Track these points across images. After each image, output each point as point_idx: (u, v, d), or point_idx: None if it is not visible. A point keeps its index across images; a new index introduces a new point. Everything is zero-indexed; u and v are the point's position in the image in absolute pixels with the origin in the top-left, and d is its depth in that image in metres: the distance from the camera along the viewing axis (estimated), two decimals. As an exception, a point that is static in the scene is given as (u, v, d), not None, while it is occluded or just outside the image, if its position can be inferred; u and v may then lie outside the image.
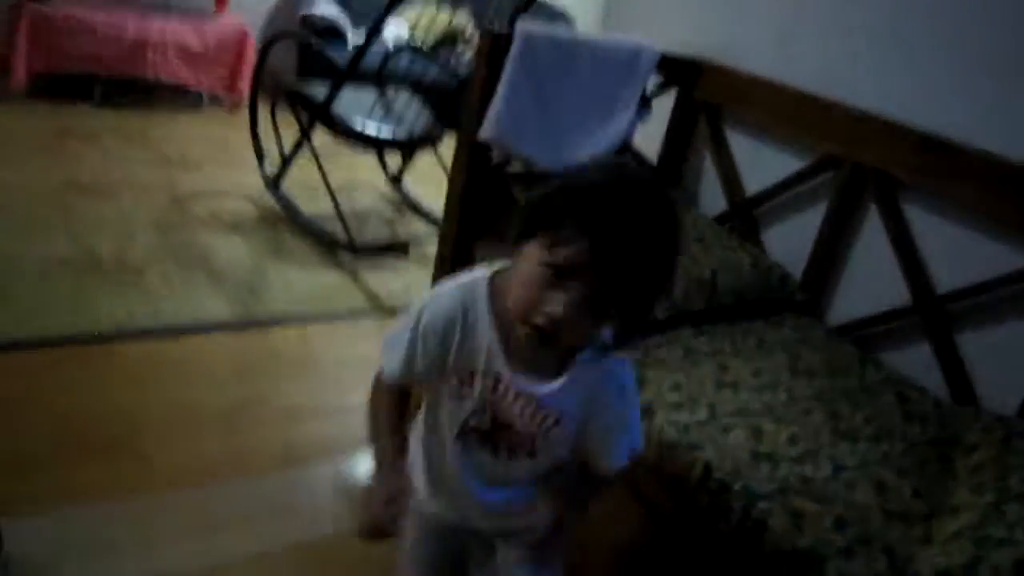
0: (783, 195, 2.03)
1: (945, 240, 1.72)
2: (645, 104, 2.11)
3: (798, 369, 1.61)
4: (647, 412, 1.40)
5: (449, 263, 1.94)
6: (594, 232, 0.75)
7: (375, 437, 1.01)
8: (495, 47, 1.79)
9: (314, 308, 2.41)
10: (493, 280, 0.90)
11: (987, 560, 1.02)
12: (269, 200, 3.10)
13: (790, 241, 2.01)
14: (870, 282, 1.86)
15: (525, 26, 1.80)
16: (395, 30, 4.36)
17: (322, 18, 4.09)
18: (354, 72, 2.74)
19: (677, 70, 2.17)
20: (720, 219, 2.15)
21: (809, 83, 1.94)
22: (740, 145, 2.16)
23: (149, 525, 1.50)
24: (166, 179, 3.14)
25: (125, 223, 2.70)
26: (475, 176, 1.90)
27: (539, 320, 0.79)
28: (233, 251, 2.69)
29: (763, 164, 2.07)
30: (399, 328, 0.95)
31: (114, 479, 1.58)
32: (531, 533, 1.06)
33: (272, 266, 2.66)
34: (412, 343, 0.93)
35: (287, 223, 2.97)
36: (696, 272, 1.73)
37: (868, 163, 1.80)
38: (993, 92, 1.63)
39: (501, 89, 1.80)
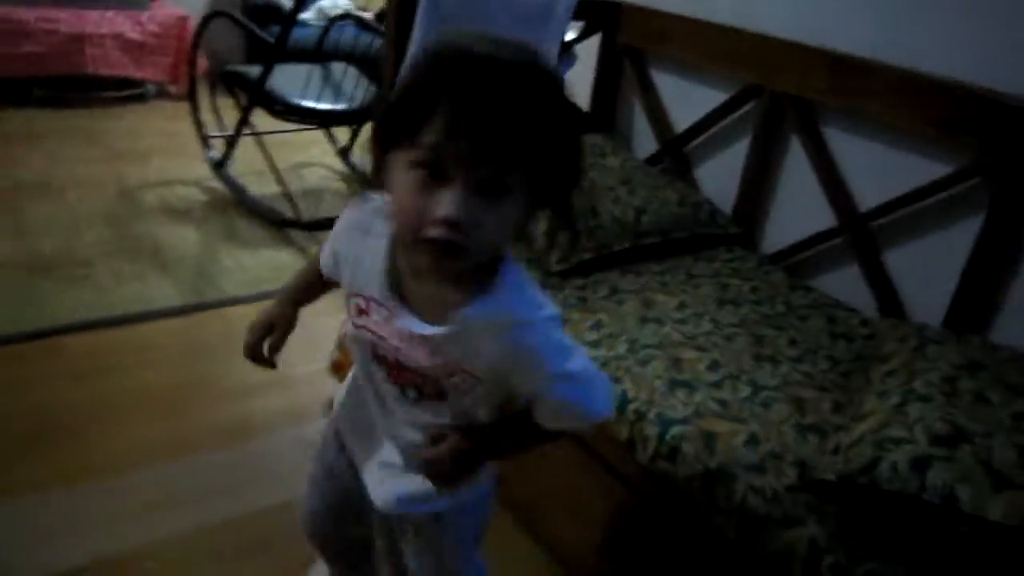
0: (710, 131, 2.03)
1: (865, 159, 1.73)
2: (567, 51, 2.10)
3: (724, 299, 1.63)
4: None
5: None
6: (456, 100, 0.64)
7: (285, 284, 1.03)
8: (403, 2, 1.78)
9: (266, 287, 2.41)
10: None
11: (885, 460, 1.04)
12: (218, 185, 3.09)
13: (721, 176, 2.02)
14: (799, 208, 1.87)
15: (431, -21, 1.78)
16: (337, 1, 4.32)
17: (260, -5, 4.05)
18: (286, 48, 2.72)
19: (598, 15, 2.16)
20: (652, 160, 2.16)
21: (724, 16, 1.93)
22: (666, 85, 2.15)
23: (88, 510, 1.53)
24: (114, 173, 3.13)
25: (72, 220, 2.70)
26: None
27: (433, 232, 0.67)
28: (183, 238, 2.69)
29: (690, 102, 2.07)
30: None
31: (55, 470, 1.61)
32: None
33: (224, 250, 2.67)
34: (332, 240, 0.90)
35: (236, 207, 2.97)
36: (619, 213, 1.74)
37: (786, 90, 1.80)
38: (897, 7, 1.63)
39: (412, 45, 1.79)
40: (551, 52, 2.02)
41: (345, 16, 3.39)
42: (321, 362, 1.90)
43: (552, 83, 0.69)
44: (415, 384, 0.86)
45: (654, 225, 1.78)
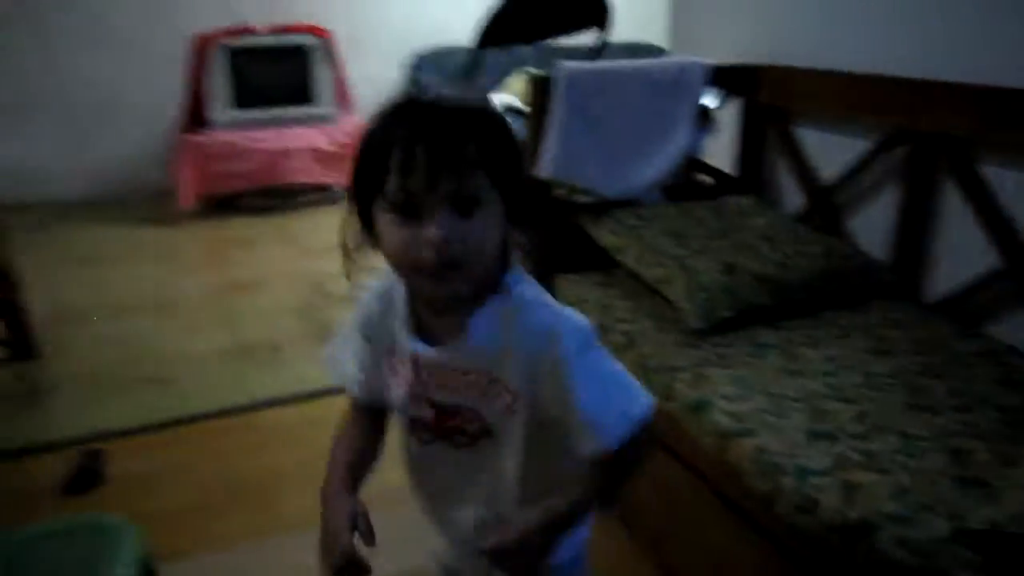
0: (859, 182, 1.97)
1: (1030, 193, 1.62)
2: (706, 118, 2.15)
3: (879, 350, 1.56)
4: (701, 407, 1.41)
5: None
6: (400, 143, 0.73)
7: (327, 468, 0.92)
8: (540, 88, 1.93)
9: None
10: None
11: (1042, 508, 0.96)
12: (396, 272, 3.37)
13: (875, 226, 1.95)
14: (962, 252, 1.76)
15: (565, 63, 1.92)
16: (504, 98, 4.62)
17: (433, 101, 4.43)
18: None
19: (736, 79, 2.20)
20: (803, 218, 2.12)
21: (863, 65, 1.90)
22: (810, 140, 2.13)
23: (280, 561, 1.70)
24: (308, 269, 3.51)
25: (273, 311, 3.06)
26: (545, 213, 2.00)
27: (426, 257, 0.73)
28: (364, 322, 2.95)
29: (835, 155, 2.03)
30: (336, 341, 0.94)
31: (252, 526, 1.80)
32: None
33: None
34: (352, 340, 0.92)
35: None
36: (759, 268, 1.72)
37: (932, 130, 1.74)
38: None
39: (552, 127, 1.93)
40: (686, 120, 2.08)
41: (509, 110, 3.64)
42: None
43: (483, 104, 0.78)
44: (459, 428, 0.86)
45: (799, 280, 1.74)
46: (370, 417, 0.96)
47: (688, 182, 2.28)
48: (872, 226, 1.97)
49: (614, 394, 0.81)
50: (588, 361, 0.80)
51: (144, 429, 2.21)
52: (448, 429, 0.88)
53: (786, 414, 1.35)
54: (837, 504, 1.15)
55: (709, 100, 2.18)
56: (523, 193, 0.81)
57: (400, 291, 0.87)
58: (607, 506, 0.87)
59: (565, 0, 3.26)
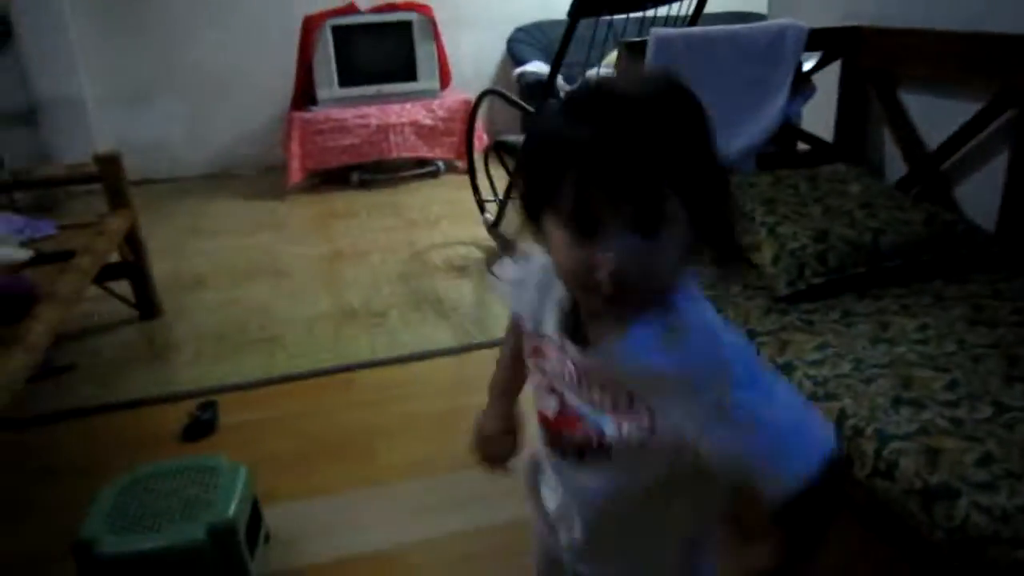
0: (966, 147, 1.89)
1: None
2: (805, 82, 2.10)
3: (977, 320, 1.50)
4: (784, 371, 1.41)
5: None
6: (579, 151, 0.62)
7: (495, 371, 0.99)
8: (632, 55, 1.93)
9: (526, 330, 2.64)
10: None
11: None
12: (493, 244, 3.45)
13: (983, 194, 1.86)
14: (1077, 221, 1.67)
15: (657, 30, 1.92)
16: (604, 71, 4.60)
17: (533, 74, 4.46)
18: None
19: (836, 42, 2.13)
20: (904, 184, 2.04)
21: (967, 23, 1.81)
22: (914, 104, 2.05)
23: (374, 509, 1.81)
24: (408, 239, 3.63)
25: (374, 279, 3.19)
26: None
27: (601, 287, 0.65)
28: (460, 290, 3.05)
29: (940, 119, 1.95)
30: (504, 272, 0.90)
31: (349, 475, 1.92)
32: None
33: (494, 299, 2.97)
34: (517, 274, 0.87)
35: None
36: (853, 236, 1.68)
37: (1047, 91, 1.65)
38: None
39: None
40: (784, 86, 2.04)
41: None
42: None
43: (678, 96, 0.66)
44: (576, 443, 0.78)
45: (895, 247, 1.69)
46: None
47: (784, 150, 2.24)
48: (979, 195, 1.89)
49: (783, 440, 0.67)
50: (760, 398, 0.68)
51: (254, 385, 2.37)
52: (560, 434, 0.81)
53: (872, 380, 1.33)
54: (918, 468, 1.14)
55: (807, 64, 2.12)
56: (716, 203, 0.69)
57: (560, 284, 0.77)
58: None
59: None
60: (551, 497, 0.90)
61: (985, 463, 1.11)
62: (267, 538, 1.67)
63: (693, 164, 0.64)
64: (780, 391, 0.70)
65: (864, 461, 1.20)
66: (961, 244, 1.75)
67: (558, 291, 0.78)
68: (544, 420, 0.83)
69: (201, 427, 2.11)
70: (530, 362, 0.84)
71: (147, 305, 2.86)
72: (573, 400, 0.78)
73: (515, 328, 0.92)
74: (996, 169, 1.82)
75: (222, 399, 2.26)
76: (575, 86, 0.71)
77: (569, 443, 0.79)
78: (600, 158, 0.61)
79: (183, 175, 4.92)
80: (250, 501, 1.60)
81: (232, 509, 1.48)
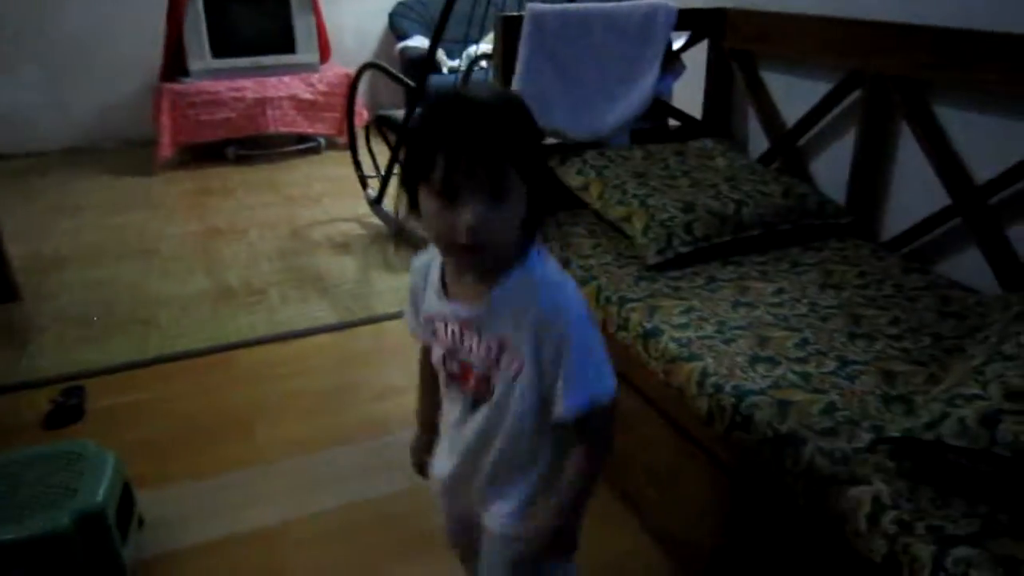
0: (820, 124, 2.02)
1: (978, 132, 1.66)
2: (673, 61, 2.18)
3: (827, 284, 1.62)
4: (652, 335, 1.48)
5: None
6: (442, 139, 0.84)
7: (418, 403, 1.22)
8: (508, 28, 1.95)
9: (410, 305, 2.64)
10: None
11: (952, 415, 1.03)
12: (375, 220, 3.41)
13: (835, 167, 2.00)
14: (915, 192, 1.81)
15: (533, 4, 1.94)
16: (484, 48, 4.60)
17: (415, 48, 4.42)
18: (425, 90, 2.99)
19: (703, 22, 2.22)
20: (766, 159, 2.17)
21: (826, 7, 1.93)
22: (774, 83, 2.17)
23: (254, 488, 1.78)
24: (288, 216, 3.55)
25: (253, 256, 3.10)
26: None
27: (461, 240, 0.85)
28: (342, 267, 3.01)
29: (797, 97, 2.07)
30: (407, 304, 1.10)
31: (228, 456, 1.88)
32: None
33: (376, 275, 2.95)
34: (410, 294, 1.07)
35: (390, 238, 3.26)
36: (717, 207, 1.78)
37: (889, 72, 1.78)
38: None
39: (519, 68, 1.95)
40: (654, 63, 2.11)
41: (484, 56, 3.64)
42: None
43: (516, 104, 0.90)
44: (471, 389, 1.00)
45: (755, 217, 1.80)
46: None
47: (655, 126, 2.32)
48: (832, 168, 2.02)
49: (590, 370, 0.94)
50: (584, 337, 0.93)
51: (126, 367, 2.27)
52: (464, 385, 1.01)
53: (732, 340, 1.42)
54: (770, 419, 1.22)
55: (676, 43, 2.20)
56: (544, 179, 0.94)
57: (436, 265, 1.00)
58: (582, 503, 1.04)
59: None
60: (447, 461, 1.09)
61: (828, 411, 1.21)
62: (141, 523, 1.62)
63: (527, 149, 0.88)
64: (596, 337, 0.95)
65: (723, 417, 1.28)
66: (815, 215, 1.88)
67: (433, 274, 1.00)
68: (450, 377, 1.03)
69: (66, 413, 2.01)
70: (431, 341, 1.05)
71: (2, 288, 2.68)
72: (462, 355, 0.99)
73: (424, 352, 1.12)
74: (846, 145, 1.95)
75: (90, 384, 2.16)
76: (442, 92, 0.92)
77: (468, 391, 1.01)
78: (461, 143, 0.83)
79: (43, 149, 4.61)
80: (120, 486, 1.54)
81: (100, 495, 1.43)
